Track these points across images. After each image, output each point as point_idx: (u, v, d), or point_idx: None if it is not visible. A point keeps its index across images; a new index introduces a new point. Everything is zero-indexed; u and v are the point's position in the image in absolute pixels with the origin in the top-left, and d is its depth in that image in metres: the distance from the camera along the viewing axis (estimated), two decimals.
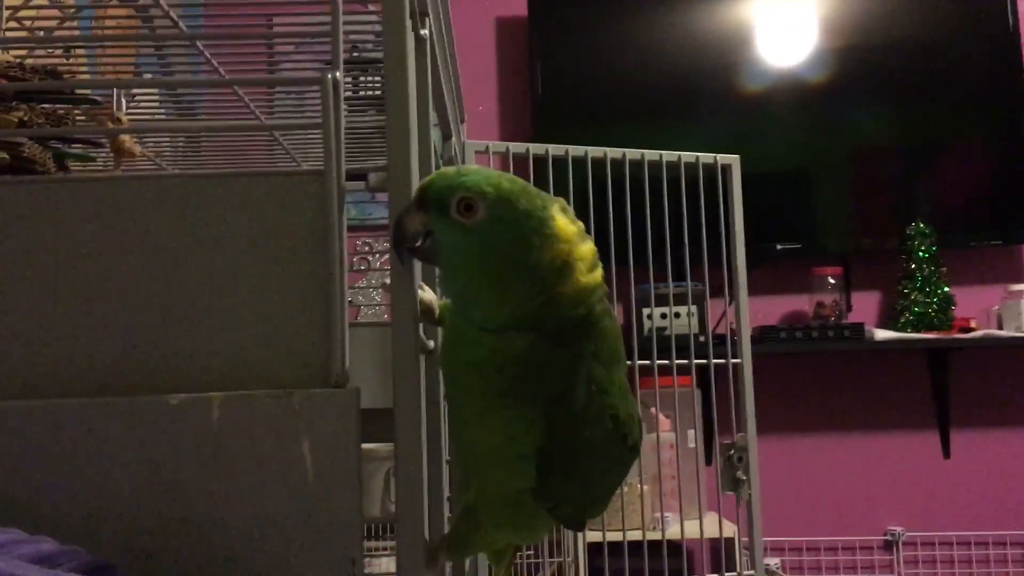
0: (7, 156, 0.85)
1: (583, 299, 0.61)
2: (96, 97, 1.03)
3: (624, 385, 0.67)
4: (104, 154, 1.20)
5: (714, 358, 1.54)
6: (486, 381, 0.62)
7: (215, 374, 0.64)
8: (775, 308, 2.86)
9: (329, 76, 0.63)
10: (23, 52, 1.05)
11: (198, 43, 1.02)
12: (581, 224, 0.63)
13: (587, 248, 0.62)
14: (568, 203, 0.63)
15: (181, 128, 1.32)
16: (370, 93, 1.54)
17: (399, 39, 0.65)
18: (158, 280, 0.65)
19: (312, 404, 0.61)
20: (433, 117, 1.31)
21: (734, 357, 1.52)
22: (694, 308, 2.29)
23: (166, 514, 0.60)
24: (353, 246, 2.48)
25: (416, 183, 0.67)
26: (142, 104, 1.46)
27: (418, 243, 0.61)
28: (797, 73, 2.84)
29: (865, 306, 2.85)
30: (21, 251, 0.65)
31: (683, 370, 1.53)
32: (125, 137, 1.21)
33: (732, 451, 1.48)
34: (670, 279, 1.59)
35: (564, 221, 0.60)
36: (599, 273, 0.63)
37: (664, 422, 2.20)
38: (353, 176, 1.66)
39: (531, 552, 2.19)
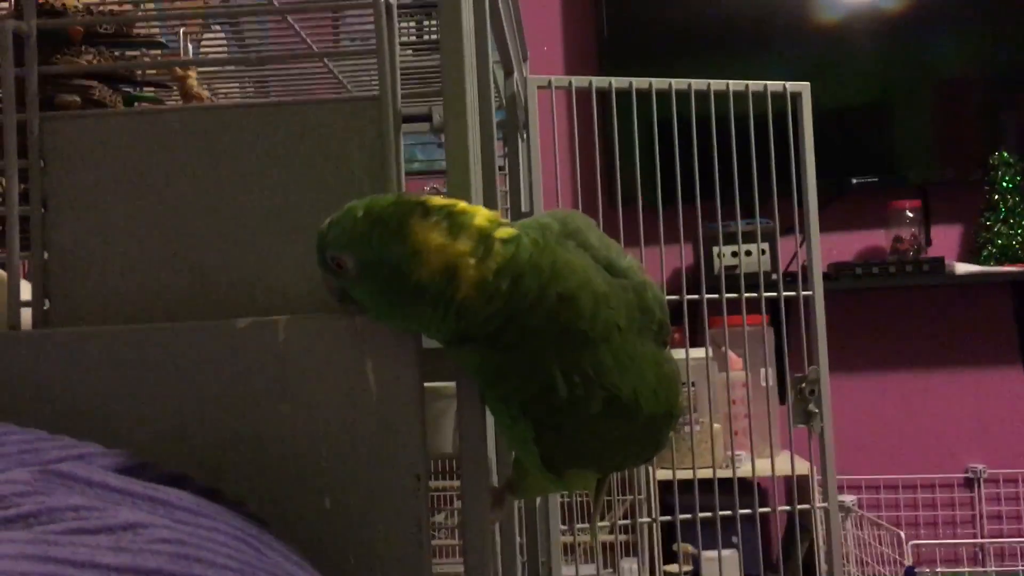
0: (78, 99, 0.88)
1: (491, 291, 0.57)
2: (161, 40, 1.05)
3: (637, 353, 0.63)
4: (174, 98, 1.23)
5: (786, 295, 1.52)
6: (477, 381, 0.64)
7: (280, 298, 0.65)
8: (851, 244, 2.80)
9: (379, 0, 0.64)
10: None
11: None
12: (458, 206, 0.58)
13: (471, 233, 0.57)
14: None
15: (234, 60, 1.34)
16: (435, 36, 1.54)
17: None
18: (224, 208, 0.67)
19: (374, 326, 0.62)
20: (495, 54, 1.31)
21: (805, 291, 1.49)
22: (765, 245, 2.26)
23: (236, 432, 0.62)
24: (421, 191, 2.49)
25: (474, 125, 0.67)
26: (210, 51, 1.48)
27: (342, 296, 0.61)
28: (873, 2, 2.74)
29: (945, 240, 2.77)
30: (91, 183, 0.67)
31: (757, 308, 1.52)
32: (193, 81, 1.23)
33: (804, 384, 1.46)
34: (739, 217, 1.56)
35: (423, 229, 0.56)
36: (505, 250, 0.57)
37: (736, 361, 2.19)
38: (419, 118, 1.67)
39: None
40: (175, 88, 1.19)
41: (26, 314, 0.68)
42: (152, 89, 1.11)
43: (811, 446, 1.55)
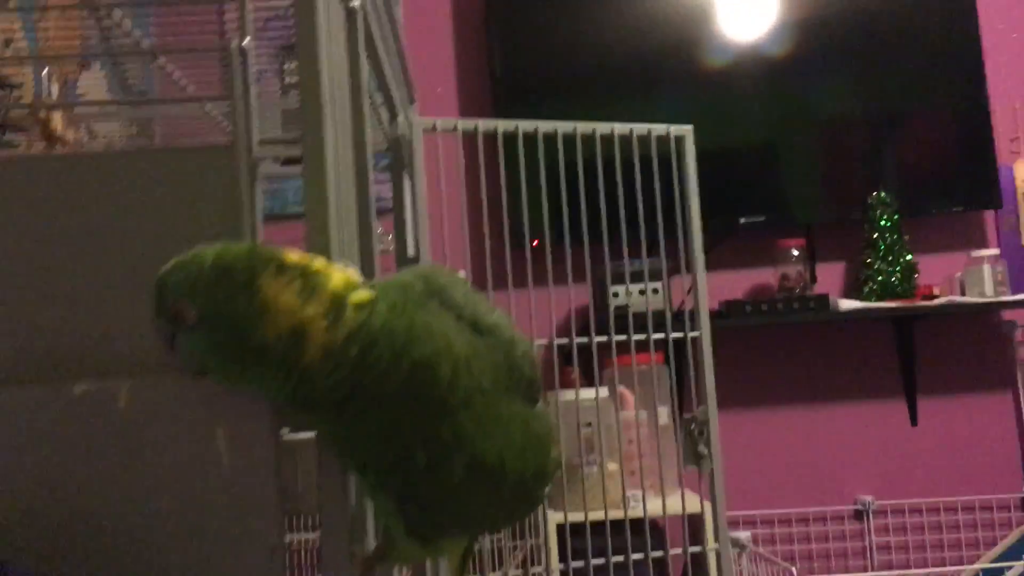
0: None
1: (338, 357, 0.54)
2: (12, 83, 0.99)
3: (504, 415, 0.60)
4: (36, 141, 1.16)
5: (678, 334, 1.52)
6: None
7: (126, 360, 0.61)
8: (741, 282, 2.86)
9: (233, 45, 0.61)
10: None
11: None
12: (313, 265, 0.55)
13: (324, 296, 0.54)
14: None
15: (95, 105, 1.29)
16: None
17: (311, 9, 0.62)
18: (66, 262, 0.62)
19: (224, 388, 0.58)
20: (378, 96, 1.29)
21: (693, 331, 1.50)
22: (658, 284, 2.29)
23: (72, 508, 0.57)
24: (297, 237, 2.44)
25: (333, 168, 0.64)
26: (89, 90, 1.42)
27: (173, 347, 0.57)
28: (758, 47, 2.82)
29: (829, 277, 2.85)
30: None
31: (655, 347, 1.52)
32: (56, 123, 1.17)
33: (693, 425, 1.46)
34: (626, 257, 1.57)
35: (275, 286, 0.53)
36: (357, 315, 0.55)
37: (632, 400, 2.19)
38: (294, 160, 1.63)
39: (498, 536, 2.18)
40: (36, 130, 1.13)
41: None
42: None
43: (704, 482, 1.55)
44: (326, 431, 0.58)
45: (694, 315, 1.52)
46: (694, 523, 2.21)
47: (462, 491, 0.59)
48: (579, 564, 1.45)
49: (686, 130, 1.51)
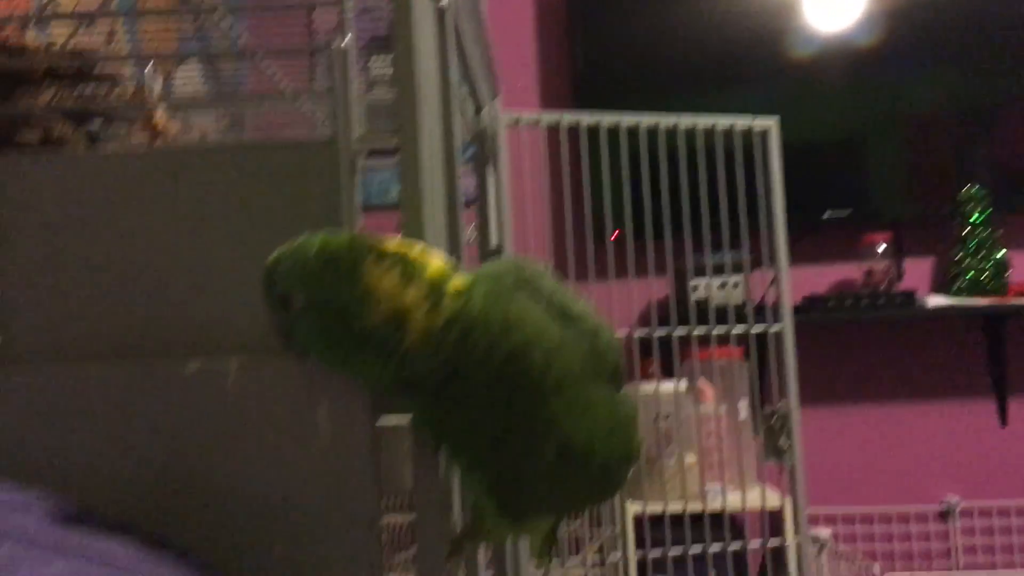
0: (37, 136, 0.87)
1: (438, 342, 0.56)
2: (115, 78, 1.04)
3: (592, 399, 0.63)
4: (139, 131, 1.22)
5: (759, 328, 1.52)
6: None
7: (232, 342, 0.65)
8: (824, 277, 2.82)
9: (334, 45, 0.64)
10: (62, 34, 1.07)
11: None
12: (412, 253, 0.57)
13: (423, 282, 0.57)
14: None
15: (194, 102, 1.34)
16: None
17: (406, 10, 0.65)
18: (178, 249, 0.66)
19: (327, 370, 0.61)
20: (464, 90, 1.32)
21: (775, 325, 1.50)
22: (738, 278, 2.27)
23: (183, 477, 0.61)
24: (381, 226, 2.49)
25: (431, 158, 0.67)
26: (183, 84, 1.48)
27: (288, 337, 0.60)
28: (846, 38, 2.77)
29: (917, 273, 2.79)
30: (45, 221, 0.67)
31: (735, 341, 1.52)
32: (159, 118, 1.23)
33: (774, 419, 1.46)
34: (707, 250, 1.57)
35: (376, 273, 0.56)
36: (455, 302, 0.57)
37: (711, 393, 2.19)
38: (379, 152, 1.69)
39: (576, 525, 2.20)
40: (141, 123, 1.19)
41: None
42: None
43: (784, 477, 1.55)
44: (422, 415, 0.61)
45: (776, 309, 1.52)
46: (773, 519, 2.19)
47: (552, 473, 0.62)
48: (657, 554, 1.46)
49: (770, 123, 1.51)
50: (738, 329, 1.50)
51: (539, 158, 1.50)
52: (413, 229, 0.64)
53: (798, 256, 2.16)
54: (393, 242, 0.58)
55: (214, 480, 0.61)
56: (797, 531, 1.49)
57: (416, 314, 0.56)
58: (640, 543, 1.65)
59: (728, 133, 1.50)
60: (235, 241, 0.66)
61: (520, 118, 1.42)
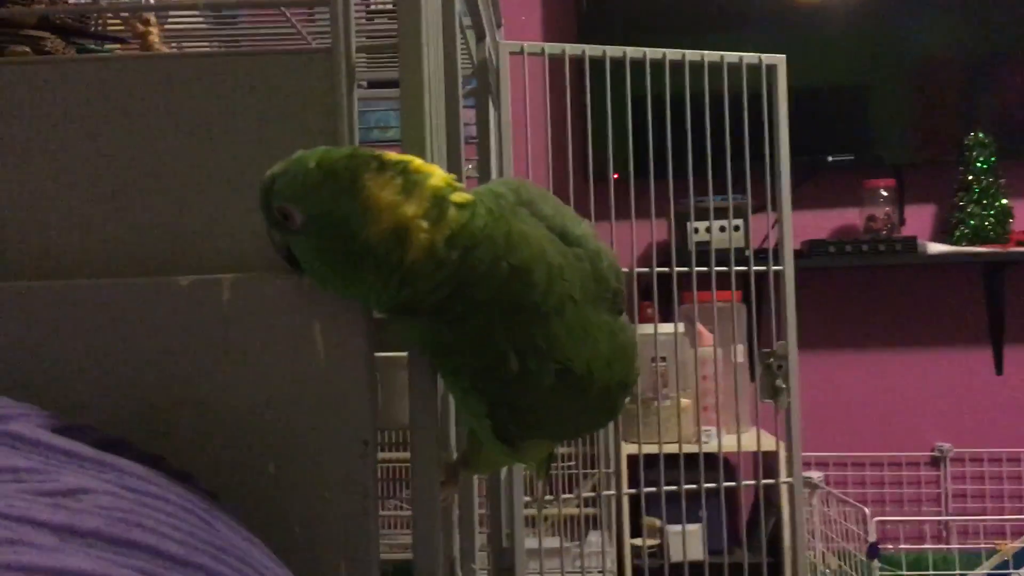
0: (28, 49, 0.85)
1: (441, 258, 0.54)
2: None
3: (592, 324, 0.61)
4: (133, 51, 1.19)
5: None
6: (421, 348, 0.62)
7: (226, 257, 0.63)
8: (825, 222, 2.80)
9: None
10: None
11: None
12: (413, 163, 0.55)
13: (425, 194, 0.54)
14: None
15: (184, 5, 1.31)
16: None
17: None
18: (171, 162, 0.64)
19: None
20: (466, 18, 1.28)
21: (776, 266, 1.48)
22: (738, 222, 2.25)
23: (176, 394, 0.60)
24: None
25: (434, 84, 0.65)
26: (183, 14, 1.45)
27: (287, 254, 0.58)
28: None
29: (919, 220, 2.77)
30: (32, 132, 0.65)
31: (730, 285, 1.50)
32: (154, 37, 1.20)
33: (772, 359, 1.45)
34: (711, 192, 1.54)
35: (377, 184, 0.53)
36: (459, 215, 0.55)
37: (708, 337, 2.18)
38: (390, 83, 1.65)
39: (572, 464, 2.21)
40: (135, 44, 1.16)
41: None
42: (109, 44, 1.08)
43: (778, 422, 1.55)
44: (422, 335, 0.59)
45: (777, 251, 1.51)
46: (767, 462, 2.21)
47: (550, 396, 0.60)
48: (651, 489, 1.46)
49: (778, 59, 1.48)
50: (738, 270, 1.48)
51: (540, 93, 1.47)
52: (415, 153, 0.62)
53: (800, 200, 2.14)
54: (393, 154, 0.56)
55: (206, 398, 0.60)
56: (791, 473, 1.49)
57: (417, 228, 0.54)
58: (634, 483, 1.65)
59: (735, 69, 1.47)
60: (230, 154, 0.64)
61: (524, 47, 1.38)
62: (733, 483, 1.53)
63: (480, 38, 1.37)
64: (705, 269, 1.48)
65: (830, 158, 2.67)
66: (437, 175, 0.56)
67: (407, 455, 1.94)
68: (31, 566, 0.35)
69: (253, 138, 0.64)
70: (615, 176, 1.47)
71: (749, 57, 1.47)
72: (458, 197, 0.56)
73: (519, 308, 0.57)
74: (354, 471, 0.59)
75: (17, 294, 0.61)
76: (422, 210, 0.54)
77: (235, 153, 0.64)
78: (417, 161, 0.56)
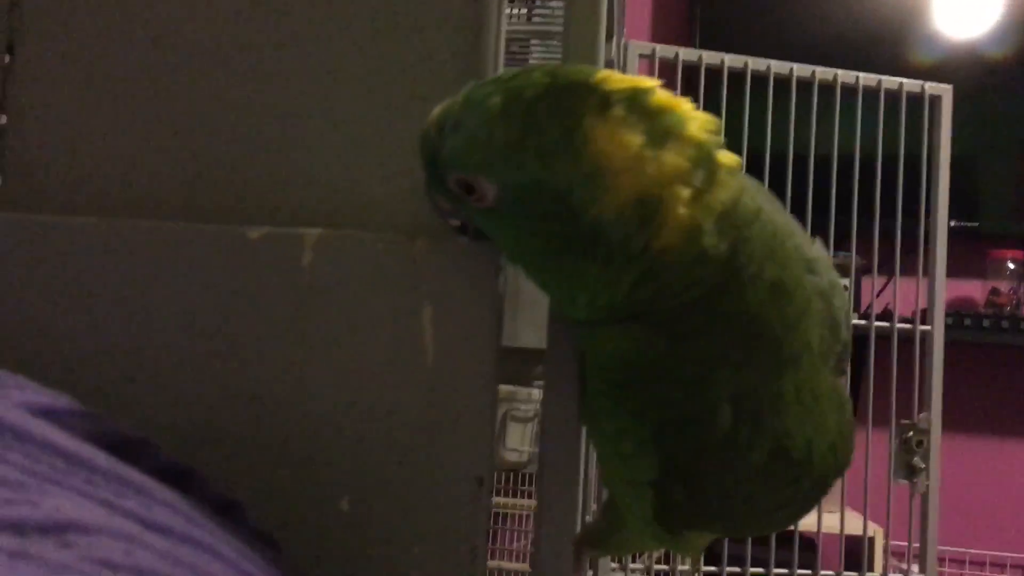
0: None
1: (705, 247, 0.36)
2: None
3: (821, 389, 0.42)
4: None
5: (880, 336, 1.30)
6: (591, 379, 0.42)
7: (313, 209, 0.46)
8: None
9: None
10: None
11: None
12: (654, 94, 0.36)
13: (684, 144, 0.35)
14: (721, 130, 0.36)
15: None
16: None
17: None
18: (252, 87, 0.48)
19: (440, 258, 0.43)
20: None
21: (923, 324, 1.28)
22: (845, 282, 2.05)
23: (228, 382, 0.43)
24: None
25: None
26: None
27: (460, 223, 0.41)
28: (975, 46, 2.54)
29: None
30: (76, 27, 0.49)
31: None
32: None
33: (911, 433, 1.25)
34: (831, 243, 1.33)
35: (611, 130, 0.35)
36: (734, 182, 0.37)
37: None
38: None
39: None
40: None
41: None
42: None
43: (911, 505, 1.33)
44: (626, 352, 0.40)
45: (923, 311, 1.31)
46: (850, 547, 1.97)
47: (749, 480, 0.42)
48: (735, 569, 1.25)
49: (943, 89, 1.29)
50: (880, 325, 1.29)
51: None
52: None
53: (909, 267, 1.93)
54: (616, 75, 0.36)
55: (268, 392, 0.43)
56: (924, 567, 1.27)
57: (675, 199, 0.35)
58: (714, 559, 1.44)
59: (891, 99, 1.28)
60: (325, 84, 0.48)
61: (656, 49, 1.21)
62: (831, 573, 1.31)
63: (608, 37, 1.22)
64: None
65: (952, 223, 2.45)
66: (697, 117, 0.37)
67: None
68: None
69: (361, 61, 0.48)
70: None
71: (910, 84, 1.28)
72: (726, 157, 0.37)
73: (759, 342, 0.39)
74: (459, 519, 0.41)
75: (37, 227, 0.45)
76: (682, 169, 0.35)
77: (336, 79, 0.47)
78: (661, 92, 0.37)
